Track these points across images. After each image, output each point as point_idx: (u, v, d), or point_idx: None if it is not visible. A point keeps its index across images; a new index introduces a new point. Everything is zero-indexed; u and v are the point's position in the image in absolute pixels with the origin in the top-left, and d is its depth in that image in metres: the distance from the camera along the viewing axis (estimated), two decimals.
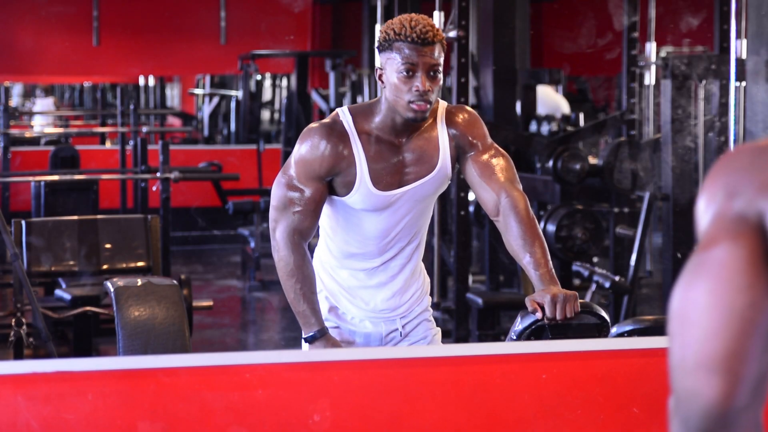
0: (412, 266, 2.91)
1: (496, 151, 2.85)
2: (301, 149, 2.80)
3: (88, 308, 5.25)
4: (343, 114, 2.82)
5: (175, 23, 11.02)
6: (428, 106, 2.74)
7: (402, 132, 2.82)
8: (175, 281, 4.24)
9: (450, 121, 2.86)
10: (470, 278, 5.95)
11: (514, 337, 2.89)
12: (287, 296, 2.85)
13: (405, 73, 2.72)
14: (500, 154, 2.85)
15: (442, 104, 2.88)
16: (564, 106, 7.88)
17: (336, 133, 2.79)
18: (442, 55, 2.80)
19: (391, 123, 2.80)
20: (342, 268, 2.91)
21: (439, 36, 2.77)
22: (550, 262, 2.75)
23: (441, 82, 2.79)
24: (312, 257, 2.93)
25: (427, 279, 3.02)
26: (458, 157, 2.86)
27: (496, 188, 2.78)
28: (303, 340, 2.86)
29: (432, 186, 2.85)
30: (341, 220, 2.87)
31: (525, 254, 2.72)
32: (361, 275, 2.90)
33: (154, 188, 6.83)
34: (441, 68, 2.78)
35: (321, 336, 2.80)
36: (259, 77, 11.36)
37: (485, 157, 2.83)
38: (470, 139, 2.84)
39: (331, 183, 2.83)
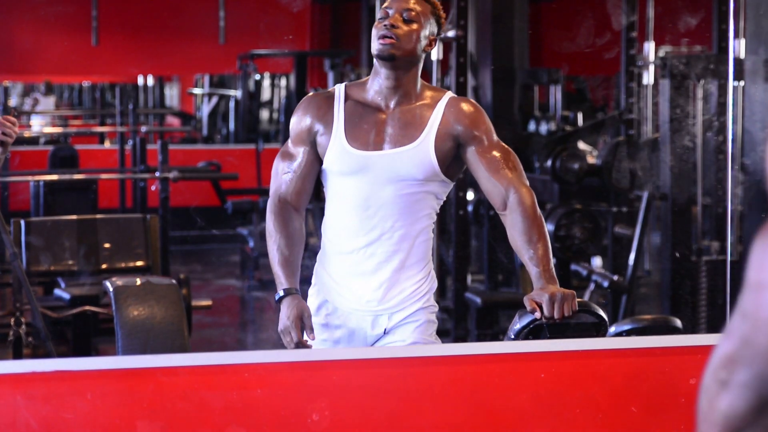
0: (401, 257, 2.84)
1: (503, 147, 2.84)
2: (293, 115, 2.94)
3: (87, 308, 5.25)
4: (339, 85, 2.92)
5: (173, 23, 11.02)
6: (395, 41, 2.78)
7: (389, 96, 2.84)
8: (174, 281, 4.24)
9: (452, 112, 2.83)
10: (469, 277, 5.95)
11: (513, 336, 2.90)
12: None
13: (380, 19, 2.82)
14: (507, 150, 2.84)
15: (448, 93, 2.88)
16: None
17: (322, 96, 2.89)
18: (425, 16, 2.85)
19: (378, 86, 2.85)
20: (333, 254, 2.88)
21: None
22: (552, 261, 2.75)
23: (418, 32, 2.82)
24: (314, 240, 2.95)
25: (432, 283, 2.91)
26: (459, 150, 2.82)
27: (504, 183, 2.78)
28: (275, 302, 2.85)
29: (411, 162, 2.79)
30: (330, 193, 2.89)
31: (528, 250, 2.73)
32: (349, 261, 2.84)
33: (153, 188, 6.84)
34: (418, 19, 2.83)
35: (287, 295, 2.79)
36: (258, 77, 11.37)
37: (493, 152, 2.81)
38: (474, 132, 2.82)
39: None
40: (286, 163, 2.91)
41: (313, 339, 2.81)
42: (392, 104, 2.84)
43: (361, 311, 2.85)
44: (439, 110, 2.83)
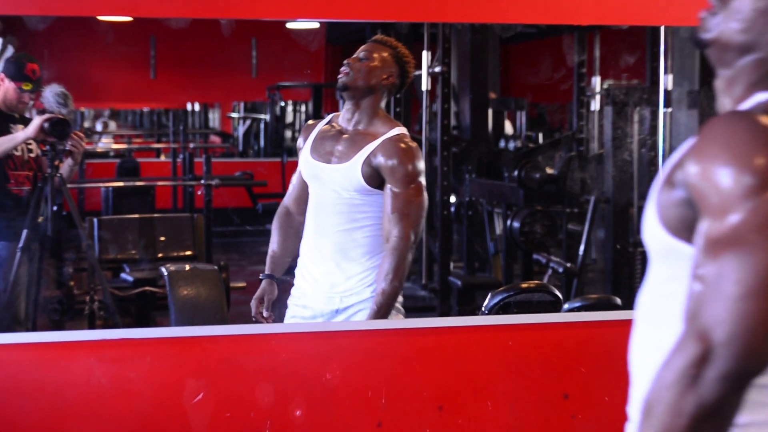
0: (344, 249, 2.73)
1: (410, 197, 2.68)
2: None
3: (147, 288, 5.25)
4: (331, 114, 2.88)
5: (216, 60, 11.00)
6: (347, 75, 2.69)
7: (348, 121, 2.76)
8: (216, 267, 4.25)
9: (385, 148, 2.68)
10: (451, 264, 5.95)
11: (486, 312, 2.90)
12: None
13: None
14: (412, 201, 2.68)
15: (395, 131, 2.71)
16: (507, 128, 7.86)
17: (313, 122, 2.85)
18: (382, 57, 2.73)
19: (343, 113, 2.79)
20: (303, 246, 2.84)
21: (386, 40, 2.76)
22: (387, 304, 2.66)
23: (370, 67, 2.70)
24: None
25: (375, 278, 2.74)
26: (380, 178, 2.69)
27: (393, 224, 2.66)
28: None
29: (342, 177, 2.70)
30: None
31: (379, 285, 2.66)
32: (309, 250, 2.79)
33: (199, 192, 6.83)
34: (371, 57, 2.72)
35: (263, 279, 2.90)
36: (282, 104, 11.36)
37: (400, 198, 2.67)
38: (393, 172, 2.67)
39: None
40: (293, 176, 2.94)
41: (268, 316, 2.83)
42: (350, 127, 2.75)
43: (318, 293, 2.78)
44: (377, 141, 2.69)
